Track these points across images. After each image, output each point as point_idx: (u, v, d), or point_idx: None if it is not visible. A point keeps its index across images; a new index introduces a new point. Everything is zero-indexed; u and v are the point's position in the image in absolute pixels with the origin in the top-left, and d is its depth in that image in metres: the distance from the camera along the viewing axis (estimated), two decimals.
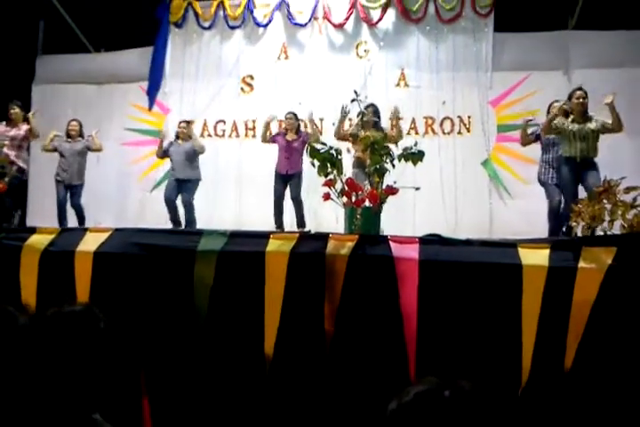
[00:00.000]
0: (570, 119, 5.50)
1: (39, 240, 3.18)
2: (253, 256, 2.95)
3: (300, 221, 6.77)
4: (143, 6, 8.10)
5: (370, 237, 2.94)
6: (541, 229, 6.31)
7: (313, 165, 3.18)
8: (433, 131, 7.76)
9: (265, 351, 2.84)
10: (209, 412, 2.80)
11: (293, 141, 6.80)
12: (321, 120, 7.94)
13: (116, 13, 7.97)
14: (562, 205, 5.83)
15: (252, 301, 2.91)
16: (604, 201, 2.83)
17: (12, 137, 6.27)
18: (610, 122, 5.28)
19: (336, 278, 2.82)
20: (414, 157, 3.14)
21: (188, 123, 7.35)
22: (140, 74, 8.32)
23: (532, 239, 2.84)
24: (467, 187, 7.36)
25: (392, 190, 3.05)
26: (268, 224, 7.30)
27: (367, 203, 3.07)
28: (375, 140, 2.99)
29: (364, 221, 3.08)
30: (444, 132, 7.75)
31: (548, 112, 5.95)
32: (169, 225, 7.28)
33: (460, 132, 7.73)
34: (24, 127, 6.36)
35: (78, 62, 8.71)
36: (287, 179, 6.77)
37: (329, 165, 3.06)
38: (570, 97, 5.63)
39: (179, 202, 7.05)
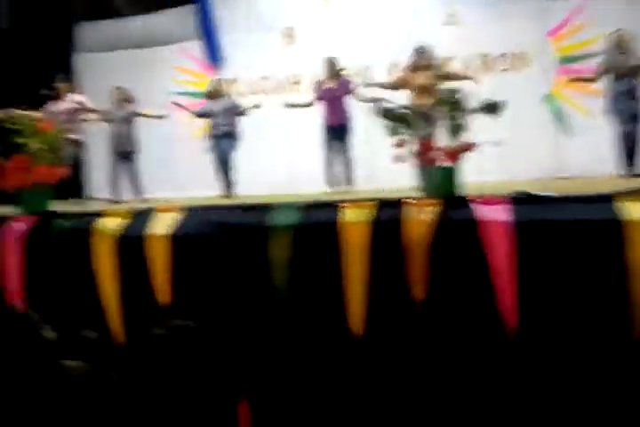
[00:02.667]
0: None
1: (110, 224, 3.13)
2: (329, 228, 2.81)
3: (349, 178, 6.39)
4: None
5: (451, 199, 2.75)
6: (612, 165, 6.00)
7: (383, 125, 2.97)
8: (490, 68, 7.33)
9: (353, 330, 2.74)
10: (295, 396, 2.76)
11: (334, 90, 6.35)
12: (368, 68, 7.61)
13: None
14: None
15: (332, 275, 2.80)
16: None
17: (62, 111, 6.28)
18: None
19: (419, 246, 2.67)
20: (492, 109, 2.89)
21: (224, 81, 7.13)
22: (179, 35, 8.12)
23: (631, 191, 2.59)
24: (529, 126, 6.96)
25: (469, 146, 2.83)
26: (320, 181, 7.17)
27: (443, 162, 2.85)
28: (448, 93, 2.74)
29: (442, 181, 2.88)
30: (501, 70, 7.31)
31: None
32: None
33: (517, 68, 7.27)
34: (73, 98, 6.31)
35: (118, 28, 8.54)
36: (336, 131, 6.38)
37: (401, 124, 2.85)
38: None
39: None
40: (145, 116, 6.84)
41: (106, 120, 6.81)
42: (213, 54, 8.05)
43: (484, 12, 7.21)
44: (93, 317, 3.16)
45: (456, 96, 2.76)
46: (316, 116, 7.00)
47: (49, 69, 8.00)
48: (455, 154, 2.81)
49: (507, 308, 2.59)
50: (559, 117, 7.13)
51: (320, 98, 6.43)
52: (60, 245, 3.24)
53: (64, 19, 8.60)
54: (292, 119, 7.86)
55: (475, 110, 2.85)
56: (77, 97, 6.38)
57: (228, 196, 6.54)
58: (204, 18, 7.99)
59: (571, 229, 2.50)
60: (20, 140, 3.56)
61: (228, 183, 6.74)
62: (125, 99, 6.81)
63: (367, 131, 6.77)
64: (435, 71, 5.71)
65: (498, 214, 2.62)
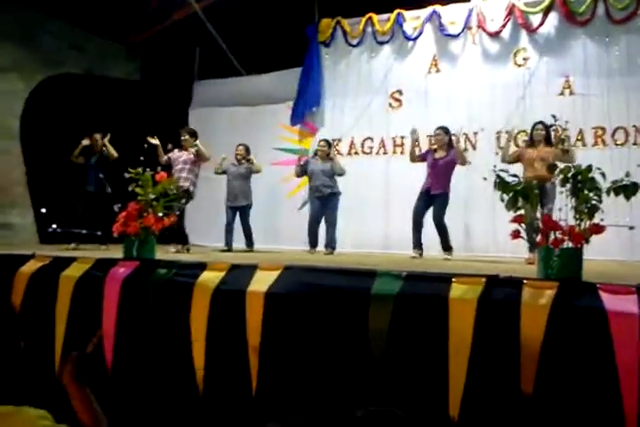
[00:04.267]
0: None
1: (210, 278, 3.13)
2: (435, 302, 2.65)
3: (446, 245, 6.27)
4: (292, 28, 8.17)
5: (574, 284, 2.52)
6: None
7: (502, 199, 2.83)
8: (603, 142, 7.02)
9: (450, 413, 2.53)
10: None
11: (440, 159, 6.37)
12: (475, 134, 7.52)
13: (266, 36, 8.12)
14: None
15: (433, 352, 2.62)
16: None
17: (183, 161, 6.66)
18: None
19: (535, 333, 2.44)
20: (628, 190, 2.68)
21: (328, 143, 7.29)
22: (288, 94, 8.42)
23: None
24: None
25: (599, 229, 2.61)
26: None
27: (567, 243, 2.64)
28: (579, 171, 2.57)
29: (563, 264, 2.66)
30: (616, 144, 6.97)
31: None
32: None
33: (635, 143, 6.91)
34: (192, 150, 6.69)
35: (231, 86, 9.00)
36: (430, 198, 6.34)
37: (520, 198, 2.69)
38: None
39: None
40: (255, 172, 7.23)
41: (225, 173, 7.24)
42: (297, 115, 8.31)
43: (599, 84, 6.98)
44: (179, 370, 3.12)
45: (589, 175, 2.57)
46: (417, 180, 6.98)
47: (167, 120, 8.58)
48: (583, 236, 2.60)
49: (629, 407, 2.30)
50: None
51: (429, 166, 6.45)
52: (158, 295, 3.27)
53: (186, 75, 9.20)
54: (392, 181, 7.86)
55: (608, 191, 2.65)
56: (195, 148, 6.70)
57: (326, 253, 6.75)
58: (305, 79, 8.27)
59: None
60: (137, 190, 3.71)
61: (315, 242, 6.96)
62: (246, 156, 7.24)
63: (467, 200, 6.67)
64: (558, 146, 5.54)
65: (626, 305, 2.36)
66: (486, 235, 6.76)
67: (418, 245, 6.37)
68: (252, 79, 8.95)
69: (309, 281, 2.94)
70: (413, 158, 6.74)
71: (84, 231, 6.45)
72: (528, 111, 7.10)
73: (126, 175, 3.87)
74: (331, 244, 6.89)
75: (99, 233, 6.34)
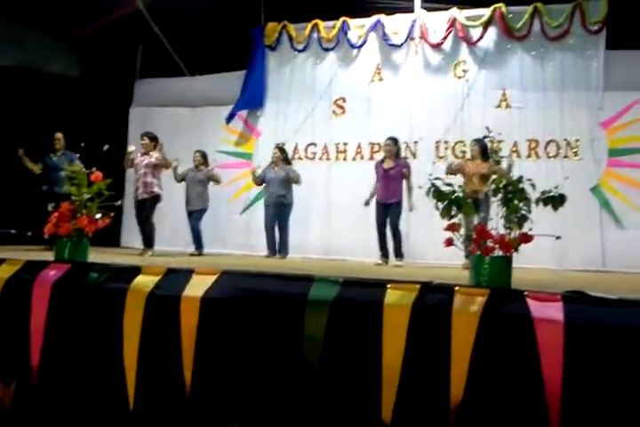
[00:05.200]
0: None
1: (145, 282, 3.06)
2: (370, 308, 2.68)
3: (398, 252, 6.52)
4: (238, 30, 8.12)
5: (503, 291, 2.61)
6: None
7: (437, 207, 2.90)
8: (537, 154, 7.30)
9: (382, 417, 2.56)
10: None
11: (390, 170, 6.55)
12: (415, 143, 7.67)
13: (212, 37, 8.05)
14: None
15: (367, 357, 2.65)
16: None
17: (145, 165, 6.67)
18: None
19: (465, 338, 2.51)
20: (556, 201, 2.80)
21: (282, 149, 7.39)
22: (233, 97, 8.36)
23: None
24: (575, 215, 6.82)
25: (527, 238, 2.71)
26: (356, 250, 7.13)
27: (498, 251, 2.73)
28: (510, 182, 2.66)
29: (493, 271, 2.75)
30: (548, 156, 7.26)
31: None
32: (260, 249, 7.28)
33: (566, 156, 7.22)
34: (154, 155, 6.70)
35: (174, 85, 8.86)
36: (387, 207, 6.53)
37: (455, 207, 2.77)
38: None
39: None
40: (215, 182, 7.32)
41: (182, 180, 7.31)
42: (232, 115, 8.31)
43: (534, 98, 7.25)
44: (111, 376, 3.04)
45: (519, 186, 2.67)
46: (359, 187, 7.07)
47: (107, 118, 8.38)
48: (513, 245, 2.69)
49: (552, 411, 2.39)
50: (607, 209, 6.98)
51: (378, 177, 6.61)
52: (90, 299, 3.17)
53: (127, 73, 9.00)
54: (335, 187, 7.92)
55: (537, 201, 2.76)
56: (158, 154, 6.71)
57: (280, 258, 6.92)
58: (248, 82, 8.26)
59: (629, 336, 2.32)
60: (72, 190, 3.60)
61: (273, 247, 7.10)
62: (203, 162, 7.35)
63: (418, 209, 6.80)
64: (492, 161, 5.73)
65: (551, 313, 2.46)
66: (425, 242, 6.89)
67: (384, 253, 6.53)
68: (196, 80, 8.83)
69: (246, 286, 2.93)
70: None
71: (12, 231, 6.23)
72: (466, 122, 7.31)
73: (62, 174, 3.74)
74: (283, 249, 7.07)
75: (29, 233, 6.14)
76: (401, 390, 2.58)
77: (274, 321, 2.83)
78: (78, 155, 4.07)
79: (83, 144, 4.08)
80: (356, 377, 2.70)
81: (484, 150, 6.05)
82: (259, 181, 7.34)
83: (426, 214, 6.77)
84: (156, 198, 6.65)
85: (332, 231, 7.78)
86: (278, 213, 7.13)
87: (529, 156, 7.29)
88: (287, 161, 7.30)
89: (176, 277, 3.06)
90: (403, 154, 7.54)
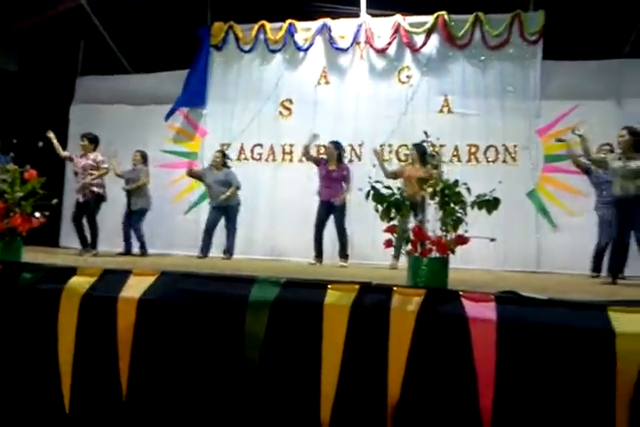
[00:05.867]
0: (618, 157, 5.23)
1: (80, 283, 2.98)
2: (310, 308, 2.70)
3: (343, 253, 6.60)
4: (184, 29, 8.03)
5: (439, 292, 2.67)
6: (589, 265, 6.07)
7: (376, 210, 2.95)
8: (476, 159, 7.52)
9: (321, 417, 2.58)
10: None
11: (333, 171, 6.66)
12: (360, 146, 7.77)
13: (156, 35, 7.92)
14: (607, 247, 5.78)
15: (307, 357, 2.67)
16: None
17: (83, 167, 6.59)
18: None
19: (402, 338, 2.56)
20: (490, 204, 2.89)
21: (223, 153, 7.42)
22: (177, 95, 8.25)
23: (624, 301, 2.55)
24: (513, 218, 7.06)
25: (463, 240, 2.80)
26: (301, 251, 7.15)
27: (435, 253, 2.81)
28: (447, 186, 2.74)
29: (431, 272, 2.82)
30: (487, 161, 7.49)
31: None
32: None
33: (504, 161, 7.46)
34: (91, 157, 6.63)
35: (117, 83, 8.68)
36: (330, 207, 6.60)
37: (393, 209, 2.83)
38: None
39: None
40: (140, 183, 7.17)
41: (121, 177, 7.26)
42: (172, 111, 8.25)
43: (475, 104, 7.47)
44: (45, 379, 2.95)
45: (455, 190, 2.75)
46: (305, 187, 7.11)
47: (46, 115, 8.11)
48: (449, 246, 2.77)
49: (484, 406, 2.47)
50: (543, 213, 7.25)
51: (321, 177, 6.71)
52: (23, 300, 3.07)
53: (68, 69, 8.75)
54: (281, 188, 7.93)
55: (472, 205, 2.85)
56: (95, 156, 6.65)
57: (224, 258, 6.89)
58: (191, 80, 8.19)
59: (556, 334, 2.42)
60: (4, 187, 3.48)
61: (207, 249, 7.05)
62: (143, 162, 7.30)
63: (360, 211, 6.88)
64: (430, 166, 5.86)
65: (485, 312, 2.54)
66: (367, 243, 6.98)
67: (319, 254, 6.62)
68: (140, 78, 8.68)
69: (186, 287, 2.89)
70: (306, 153, 7.02)
71: None
72: (409, 126, 7.45)
73: None
74: (229, 250, 7.06)
75: None
76: (340, 390, 2.60)
77: (214, 323, 2.81)
78: (12, 154, 3.93)
79: (15, 141, 3.95)
80: (295, 378, 2.71)
81: (422, 155, 6.19)
82: (193, 174, 7.39)
83: (370, 216, 6.90)
84: (98, 198, 6.55)
85: (278, 232, 7.79)
86: (224, 214, 7.11)
87: (469, 160, 7.49)
88: (226, 165, 7.31)
89: (113, 278, 2.99)
90: (348, 156, 7.68)
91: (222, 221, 7.16)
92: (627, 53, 7.20)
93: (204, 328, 2.82)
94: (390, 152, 7.71)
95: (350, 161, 7.70)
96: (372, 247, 6.86)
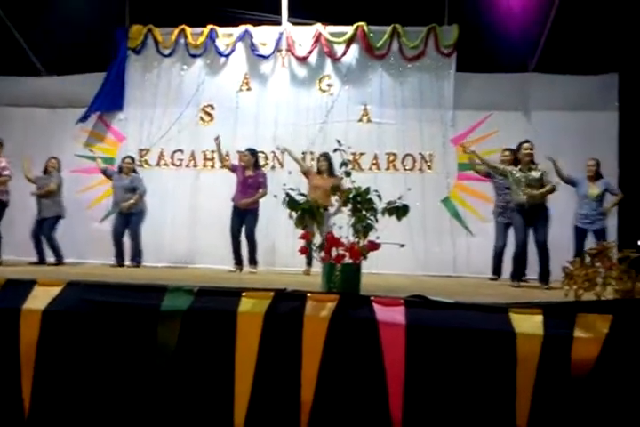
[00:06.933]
0: (517, 168, 5.64)
1: None
2: (223, 316, 2.69)
3: (253, 259, 6.64)
4: (100, 30, 7.79)
5: (352, 297, 2.73)
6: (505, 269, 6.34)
7: (290, 216, 2.98)
8: (394, 167, 7.71)
9: (235, 424, 2.57)
10: None
11: (249, 178, 6.69)
12: (283, 153, 7.77)
13: (71, 36, 7.64)
14: (504, 249, 6.24)
15: (220, 366, 2.66)
16: (598, 264, 2.73)
17: None
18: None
19: (315, 343, 2.60)
20: (399, 211, 2.98)
21: (133, 159, 7.35)
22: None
23: (524, 303, 2.69)
24: (430, 224, 7.30)
25: (375, 246, 2.86)
26: (221, 258, 7.07)
27: (347, 259, 2.86)
28: (358, 193, 2.80)
29: (344, 278, 2.87)
30: (405, 169, 7.70)
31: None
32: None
33: (421, 169, 7.69)
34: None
35: (29, 85, 8.30)
36: (243, 214, 6.63)
37: (308, 217, 2.86)
38: (518, 148, 5.79)
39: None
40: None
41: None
42: (86, 115, 8.01)
43: (393, 114, 7.66)
44: None
45: (366, 197, 2.82)
46: (226, 195, 7.04)
47: None
48: (361, 252, 2.83)
49: (394, 408, 2.54)
50: (458, 219, 7.52)
51: (238, 182, 6.72)
52: None
53: None
54: (202, 194, 7.83)
55: (382, 212, 2.92)
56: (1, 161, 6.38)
57: (131, 266, 6.80)
58: (107, 83, 7.99)
59: (462, 336, 2.52)
60: None
61: (121, 256, 6.93)
62: (56, 168, 7.09)
63: (271, 218, 6.89)
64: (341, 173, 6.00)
65: (394, 316, 2.62)
66: (286, 249, 6.98)
67: (238, 260, 6.61)
68: (55, 80, 8.34)
69: (93, 298, 2.81)
70: (223, 161, 7.14)
71: None
72: (329, 135, 7.53)
73: None
74: (136, 258, 6.93)
75: None
76: (254, 396, 2.60)
77: (123, 334, 2.75)
78: None
79: None
80: (208, 387, 2.69)
81: (330, 165, 6.32)
82: (107, 173, 7.30)
83: (287, 222, 6.93)
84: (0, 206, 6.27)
85: (199, 239, 7.69)
86: (128, 221, 6.99)
87: (388, 168, 7.68)
88: (135, 171, 7.23)
89: (16, 289, 2.87)
90: (270, 164, 7.71)
91: None
92: (534, 68, 7.61)
93: (113, 340, 2.75)
94: (312, 160, 7.77)
95: (272, 168, 7.73)
96: (290, 253, 6.87)
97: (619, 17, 6.82)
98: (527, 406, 2.43)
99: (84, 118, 8.01)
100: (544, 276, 5.33)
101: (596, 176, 6.43)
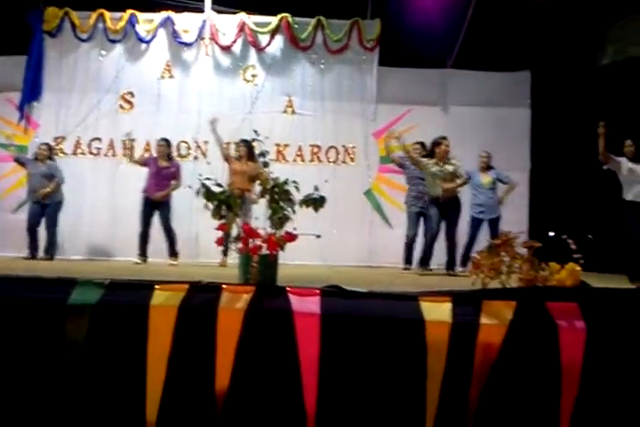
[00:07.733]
0: (433, 161, 5.85)
1: None
2: (135, 310, 2.63)
3: (172, 251, 6.56)
4: (17, 12, 7.36)
5: (267, 288, 2.74)
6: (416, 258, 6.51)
7: (206, 207, 2.94)
8: (318, 159, 7.77)
9: (147, 418, 2.53)
10: None
11: (163, 169, 6.61)
12: (205, 143, 7.65)
13: None
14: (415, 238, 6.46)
15: (131, 360, 2.59)
16: (502, 253, 2.86)
17: None
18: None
19: (230, 335, 2.59)
20: (316, 202, 3.00)
21: (49, 147, 7.08)
22: (8, 84, 7.59)
23: (433, 291, 2.77)
24: (351, 216, 7.42)
25: (292, 237, 2.88)
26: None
27: (265, 250, 2.86)
28: (276, 184, 2.80)
29: (261, 269, 2.87)
30: (329, 161, 7.77)
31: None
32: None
33: (344, 162, 7.79)
34: None
35: None
36: (156, 205, 6.55)
37: (224, 207, 2.83)
38: (436, 143, 6.00)
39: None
40: None
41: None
42: (20, 109, 7.69)
43: (315, 106, 7.70)
44: None
45: (284, 188, 2.82)
46: (138, 185, 6.86)
47: None
48: (278, 243, 2.84)
49: (308, 398, 2.57)
50: (379, 211, 7.67)
51: (150, 174, 6.61)
52: None
53: None
54: (119, 184, 7.59)
55: (300, 203, 2.94)
56: None
57: (43, 258, 6.54)
58: (28, 69, 7.62)
59: (375, 324, 2.58)
60: None
61: (35, 248, 6.68)
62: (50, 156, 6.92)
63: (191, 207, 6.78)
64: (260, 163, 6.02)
65: (309, 306, 2.64)
66: (209, 242, 6.89)
67: (143, 251, 6.52)
68: None
69: None
70: (136, 161, 7.03)
71: None
72: (254, 125, 7.41)
73: None
74: (49, 250, 6.70)
75: None
76: (166, 391, 2.56)
77: (29, 330, 2.63)
78: None
79: None
80: (119, 382, 2.63)
81: (250, 151, 6.30)
82: (19, 160, 7.04)
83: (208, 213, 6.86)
84: None
85: (117, 231, 7.46)
86: (45, 210, 6.74)
87: (312, 160, 7.73)
88: (51, 158, 6.97)
89: None
90: (193, 154, 7.59)
91: None
92: (452, 64, 7.83)
93: (18, 337, 2.62)
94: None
95: (195, 158, 7.61)
96: (213, 245, 6.80)
97: (533, 17, 7.13)
98: (437, 392, 2.52)
99: (21, 117, 7.64)
100: (451, 264, 5.79)
101: (487, 167, 6.70)
